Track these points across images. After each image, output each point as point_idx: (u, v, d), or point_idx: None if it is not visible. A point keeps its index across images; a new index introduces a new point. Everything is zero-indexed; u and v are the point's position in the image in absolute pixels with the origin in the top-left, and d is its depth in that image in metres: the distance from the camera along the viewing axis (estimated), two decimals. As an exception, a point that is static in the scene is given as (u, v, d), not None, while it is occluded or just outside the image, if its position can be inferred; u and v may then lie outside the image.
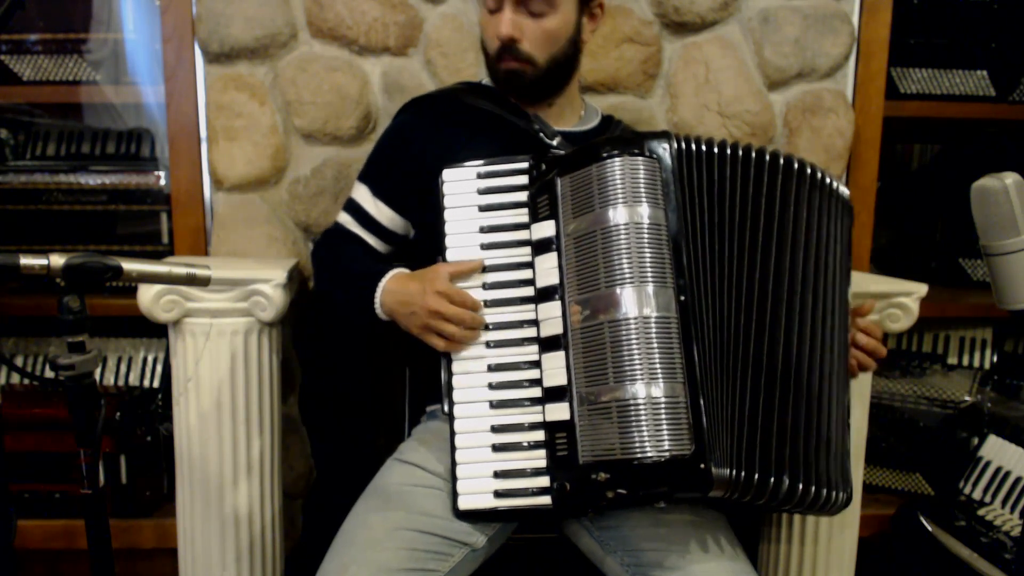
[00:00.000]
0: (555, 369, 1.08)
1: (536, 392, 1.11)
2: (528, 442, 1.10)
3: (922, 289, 1.51)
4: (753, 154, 1.12)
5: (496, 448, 1.11)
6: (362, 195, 1.39)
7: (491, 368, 1.14)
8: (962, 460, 1.78)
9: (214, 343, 1.43)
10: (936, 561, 1.63)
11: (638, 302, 1.02)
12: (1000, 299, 1.02)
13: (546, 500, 1.08)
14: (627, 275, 1.03)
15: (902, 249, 2.24)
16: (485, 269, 1.16)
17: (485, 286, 1.16)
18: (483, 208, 1.18)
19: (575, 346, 1.06)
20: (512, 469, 1.10)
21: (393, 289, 1.21)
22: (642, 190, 1.05)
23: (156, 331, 1.88)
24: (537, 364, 1.12)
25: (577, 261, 1.08)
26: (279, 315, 1.45)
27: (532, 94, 1.34)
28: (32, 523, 1.70)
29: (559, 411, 1.07)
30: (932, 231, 2.17)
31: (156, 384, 1.90)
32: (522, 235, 1.16)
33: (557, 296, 1.09)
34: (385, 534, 1.10)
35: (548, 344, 1.10)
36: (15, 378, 1.89)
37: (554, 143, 1.29)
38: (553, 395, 1.09)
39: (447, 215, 1.18)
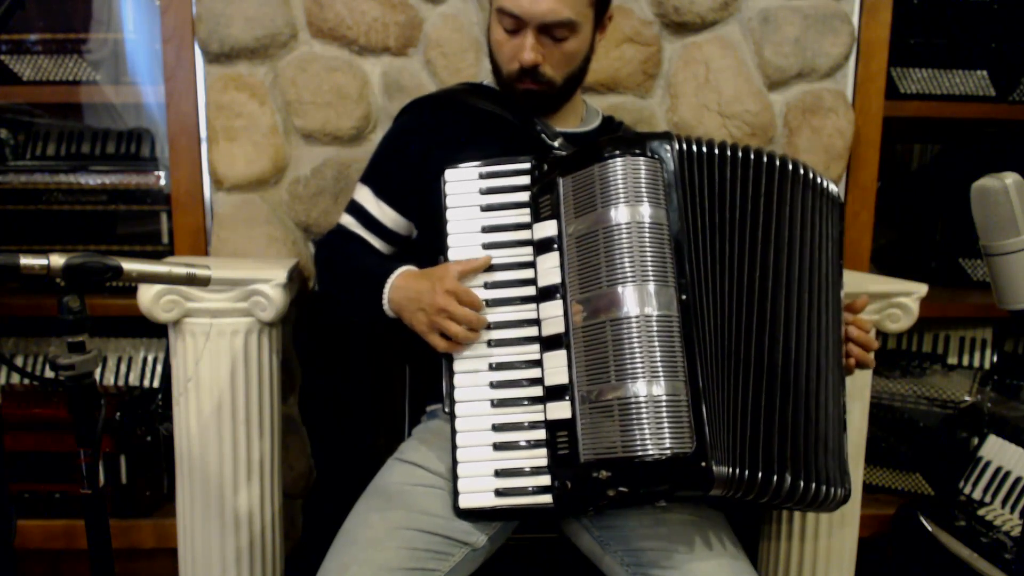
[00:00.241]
0: (556, 368, 1.08)
1: (537, 391, 1.11)
2: (529, 441, 1.10)
3: (922, 289, 1.51)
4: (751, 155, 1.13)
5: (497, 447, 1.11)
6: (364, 196, 1.39)
7: (492, 367, 1.14)
8: (962, 460, 1.78)
9: (214, 343, 1.43)
10: (936, 561, 1.63)
11: (639, 301, 1.02)
12: (1000, 299, 1.02)
13: (547, 499, 1.08)
14: (628, 274, 1.03)
15: (902, 249, 2.24)
16: (490, 267, 1.16)
17: (487, 285, 1.16)
18: (485, 208, 1.18)
19: (576, 345, 1.07)
20: (513, 468, 1.10)
21: (402, 286, 1.21)
22: (644, 190, 1.06)
23: (156, 331, 1.88)
24: (538, 363, 1.12)
25: (579, 260, 1.08)
26: (279, 315, 1.45)
27: (545, 109, 1.35)
28: (32, 523, 1.70)
29: (560, 410, 1.07)
30: (932, 231, 2.17)
31: (156, 384, 1.90)
32: (524, 235, 1.16)
33: (559, 295, 1.10)
34: (385, 533, 1.10)
35: (549, 343, 1.10)
36: (15, 378, 1.89)
37: (556, 144, 1.30)
38: (554, 394, 1.09)
39: (449, 215, 1.18)
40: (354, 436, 1.69)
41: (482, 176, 1.19)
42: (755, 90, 1.77)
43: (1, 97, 1.87)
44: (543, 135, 1.31)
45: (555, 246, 1.11)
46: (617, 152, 1.07)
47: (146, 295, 1.39)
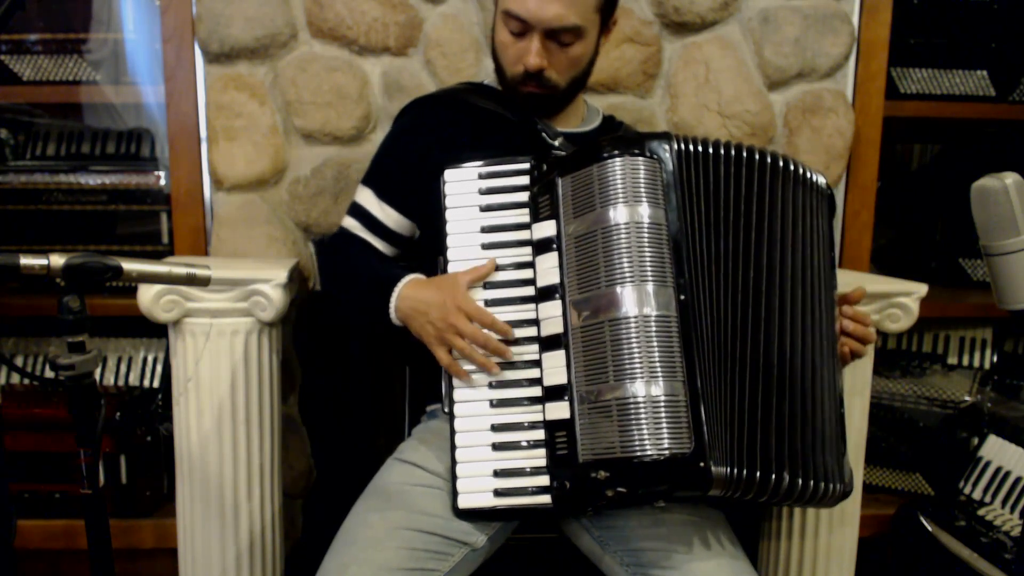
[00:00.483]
0: (555, 368, 1.08)
1: (536, 391, 1.11)
2: (528, 441, 1.10)
3: (922, 289, 1.51)
4: (744, 153, 1.13)
5: (496, 447, 1.11)
6: (367, 198, 1.38)
7: (491, 367, 1.14)
8: (962, 460, 1.78)
9: (214, 343, 1.43)
10: (936, 561, 1.63)
11: (638, 301, 1.02)
12: (1000, 299, 1.02)
13: (546, 499, 1.08)
14: (627, 274, 1.03)
15: (902, 249, 2.24)
16: None
17: (486, 285, 1.16)
18: (484, 208, 1.18)
19: (575, 345, 1.07)
20: (512, 468, 1.10)
21: (410, 295, 1.20)
22: (643, 190, 1.06)
23: (156, 331, 1.88)
24: (537, 363, 1.12)
25: (578, 260, 1.08)
26: (279, 315, 1.45)
27: (547, 111, 1.35)
28: (32, 523, 1.70)
29: (559, 410, 1.07)
30: (932, 231, 2.17)
31: (156, 384, 1.90)
32: (523, 235, 1.16)
33: (558, 295, 1.10)
34: (385, 533, 1.10)
35: (548, 343, 1.10)
36: (15, 378, 1.89)
37: (556, 144, 1.30)
38: (553, 394, 1.09)
39: (448, 215, 1.18)
40: (354, 436, 1.69)
41: (482, 176, 1.19)
42: (755, 90, 1.77)
43: (1, 97, 1.87)
44: (544, 135, 1.31)
45: (554, 246, 1.11)
46: (616, 152, 1.07)
47: (146, 295, 1.39)
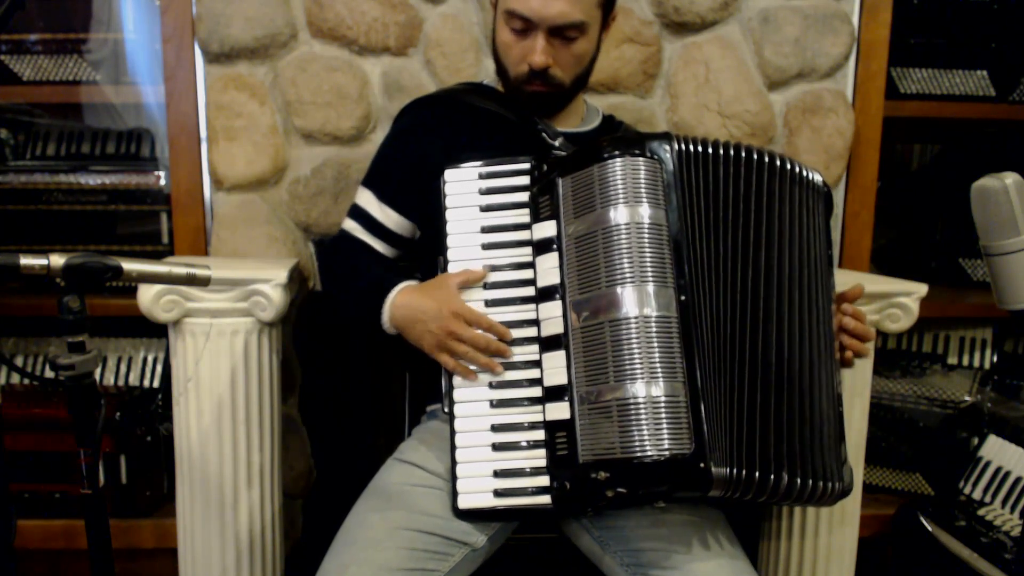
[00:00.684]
0: (555, 368, 1.08)
1: (536, 391, 1.11)
2: (528, 441, 1.10)
3: (922, 289, 1.51)
4: (743, 153, 1.13)
5: (496, 447, 1.11)
6: (367, 200, 1.38)
7: (491, 367, 1.14)
8: (962, 460, 1.78)
9: (214, 343, 1.43)
10: (936, 561, 1.63)
11: (639, 301, 1.02)
12: (1000, 299, 1.02)
13: (546, 499, 1.08)
14: (628, 275, 1.03)
15: (902, 249, 2.24)
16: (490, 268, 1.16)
17: (486, 286, 1.16)
18: (484, 208, 1.18)
19: (575, 345, 1.07)
20: (512, 468, 1.10)
21: (403, 304, 1.21)
22: (643, 190, 1.06)
23: (156, 331, 1.88)
24: (537, 363, 1.12)
25: (578, 261, 1.08)
26: (279, 315, 1.45)
27: (550, 109, 1.35)
28: (32, 523, 1.70)
29: (559, 410, 1.07)
30: (932, 231, 2.17)
31: (156, 384, 1.90)
32: (523, 235, 1.16)
33: (558, 296, 1.10)
34: (385, 534, 1.10)
35: (548, 343, 1.10)
36: (15, 378, 1.89)
37: (556, 144, 1.30)
38: (553, 394, 1.09)
39: (448, 215, 1.18)
40: (354, 436, 1.69)
41: (482, 176, 1.19)
42: (755, 90, 1.77)
43: (1, 97, 1.87)
44: (544, 135, 1.31)
45: (554, 246, 1.11)
46: (616, 152, 1.07)
47: (146, 295, 1.39)
